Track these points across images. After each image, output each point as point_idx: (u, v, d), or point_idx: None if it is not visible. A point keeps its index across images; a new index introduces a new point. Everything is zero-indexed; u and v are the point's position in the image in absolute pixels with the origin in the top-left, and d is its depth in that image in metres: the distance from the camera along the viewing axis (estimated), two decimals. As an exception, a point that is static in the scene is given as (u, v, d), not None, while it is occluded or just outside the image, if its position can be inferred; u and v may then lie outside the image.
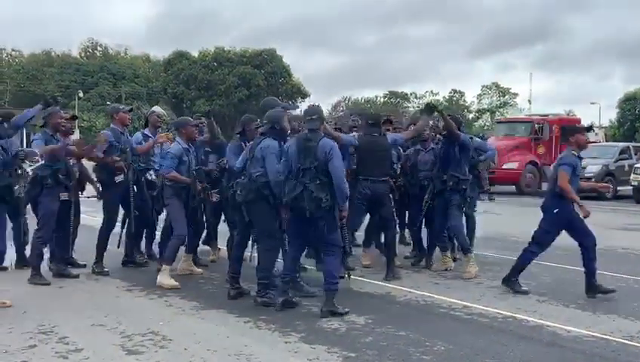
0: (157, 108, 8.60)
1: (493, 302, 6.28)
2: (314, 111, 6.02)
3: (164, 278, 6.72)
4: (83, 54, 68.76)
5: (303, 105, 47.32)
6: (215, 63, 57.53)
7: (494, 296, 6.53)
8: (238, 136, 7.00)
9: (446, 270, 7.70)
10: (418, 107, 71.99)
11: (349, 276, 6.58)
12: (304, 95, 58.85)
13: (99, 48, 70.06)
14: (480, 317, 5.75)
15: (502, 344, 4.97)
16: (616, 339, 5.11)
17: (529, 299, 6.45)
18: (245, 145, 6.61)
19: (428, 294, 6.52)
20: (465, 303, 6.17)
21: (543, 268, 7.79)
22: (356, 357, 4.60)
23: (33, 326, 5.22)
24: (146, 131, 7.97)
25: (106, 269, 7.26)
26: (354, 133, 7.73)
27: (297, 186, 5.63)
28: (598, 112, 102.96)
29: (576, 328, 5.38)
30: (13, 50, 70.39)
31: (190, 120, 7.53)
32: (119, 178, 7.23)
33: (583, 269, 6.54)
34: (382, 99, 79.94)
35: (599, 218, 14.73)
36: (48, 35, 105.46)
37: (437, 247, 7.93)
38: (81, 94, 52.81)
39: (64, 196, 6.78)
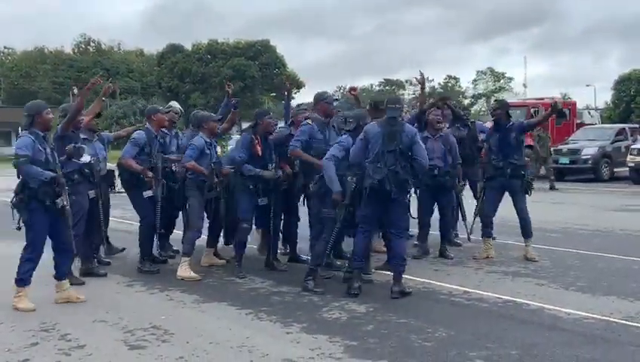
0: (174, 104, 8.25)
1: (492, 287, 6.30)
2: (397, 100, 6.17)
3: (184, 271, 6.78)
4: (76, 50, 68.41)
5: (298, 96, 47.22)
6: (209, 56, 57.23)
7: (493, 281, 6.56)
8: (251, 129, 6.97)
9: (487, 257, 7.56)
10: (413, 94, 71.94)
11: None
12: (299, 85, 58.68)
13: (92, 44, 69.72)
14: (480, 303, 5.77)
15: (503, 328, 5.00)
16: (616, 320, 5.14)
17: (528, 283, 6.47)
18: (255, 139, 6.71)
19: (428, 281, 6.54)
20: (465, 289, 6.20)
21: (541, 251, 7.81)
22: (358, 346, 4.62)
23: (35, 323, 5.22)
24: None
25: (156, 268, 7.15)
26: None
27: (381, 169, 5.76)
28: (594, 94, 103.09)
29: (576, 310, 5.40)
30: (5, 47, 70.24)
31: (213, 115, 7.36)
32: (148, 193, 7.03)
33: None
34: (377, 88, 79.84)
35: (597, 199, 14.79)
36: (41, 31, 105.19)
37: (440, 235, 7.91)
38: (75, 91, 52.57)
39: (92, 194, 6.69)
